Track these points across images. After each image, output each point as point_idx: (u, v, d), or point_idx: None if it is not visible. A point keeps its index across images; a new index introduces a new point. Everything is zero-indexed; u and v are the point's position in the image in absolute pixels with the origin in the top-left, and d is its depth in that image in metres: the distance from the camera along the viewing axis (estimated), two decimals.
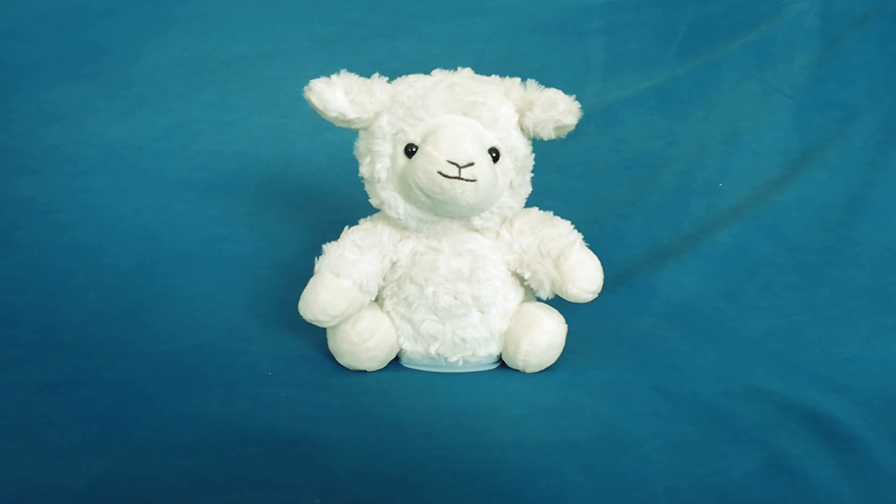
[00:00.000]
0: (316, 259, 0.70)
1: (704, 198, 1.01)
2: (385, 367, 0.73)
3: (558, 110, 0.68)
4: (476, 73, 0.72)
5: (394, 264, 0.71)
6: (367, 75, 0.70)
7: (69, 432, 0.59)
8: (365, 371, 0.72)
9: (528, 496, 0.52)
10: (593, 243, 0.73)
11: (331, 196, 1.00)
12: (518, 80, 0.71)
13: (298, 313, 0.70)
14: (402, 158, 0.67)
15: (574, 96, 0.70)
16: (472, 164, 0.65)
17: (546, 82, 0.72)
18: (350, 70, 0.70)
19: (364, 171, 0.70)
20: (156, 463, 0.55)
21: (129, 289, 0.85)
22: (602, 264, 0.73)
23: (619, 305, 0.88)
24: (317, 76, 0.68)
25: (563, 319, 0.73)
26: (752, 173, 1.03)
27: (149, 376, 0.68)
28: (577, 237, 0.72)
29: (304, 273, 0.71)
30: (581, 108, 0.70)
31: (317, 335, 0.76)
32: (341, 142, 1.05)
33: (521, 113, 0.69)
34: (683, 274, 0.93)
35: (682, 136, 1.07)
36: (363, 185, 0.71)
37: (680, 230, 0.99)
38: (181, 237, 0.94)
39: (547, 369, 0.73)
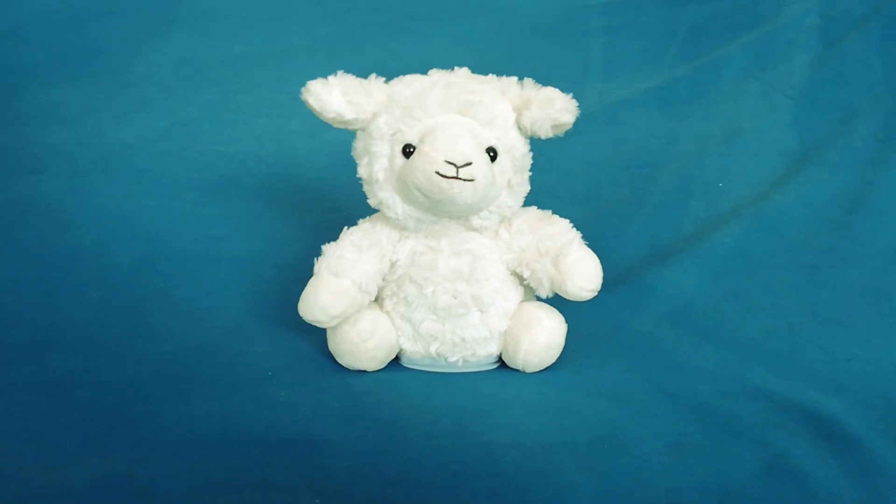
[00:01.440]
0: (315, 260, 0.70)
1: (704, 198, 1.01)
2: (385, 368, 0.73)
3: (555, 108, 0.68)
4: (476, 73, 0.72)
5: (393, 264, 0.71)
6: (368, 76, 0.70)
7: (70, 432, 0.59)
8: (365, 371, 0.72)
9: (527, 496, 0.52)
10: (593, 243, 0.73)
11: (331, 196, 1.00)
12: (515, 78, 0.71)
13: (298, 314, 0.70)
14: (400, 159, 0.67)
15: (571, 94, 0.70)
16: (469, 164, 0.64)
17: (546, 82, 0.72)
18: (350, 70, 0.70)
19: (362, 171, 0.70)
20: (156, 463, 0.55)
21: (130, 289, 0.85)
22: (602, 264, 0.73)
23: (619, 305, 0.88)
24: (317, 76, 0.68)
25: (562, 319, 0.73)
26: (752, 173, 1.03)
27: (149, 376, 0.68)
28: (576, 235, 0.72)
29: (304, 273, 0.71)
30: (578, 105, 0.70)
31: (317, 335, 0.76)
32: (342, 142, 1.05)
33: (519, 112, 0.69)
34: (683, 274, 0.92)
35: (682, 136, 1.07)
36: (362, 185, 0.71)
37: (680, 230, 0.99)
38: (181, 237, 0.94)
39: (547, 369, 0.73)
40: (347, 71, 0.69)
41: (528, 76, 0.72)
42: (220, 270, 0.89)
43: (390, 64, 0.93)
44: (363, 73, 0.70)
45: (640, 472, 0.55)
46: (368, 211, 0.73)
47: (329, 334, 0.72)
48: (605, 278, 0.73)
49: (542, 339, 0.71)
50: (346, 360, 0.72)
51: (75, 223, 0.93)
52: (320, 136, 1.05)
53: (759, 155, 1.04)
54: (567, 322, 0.73)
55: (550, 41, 1.13)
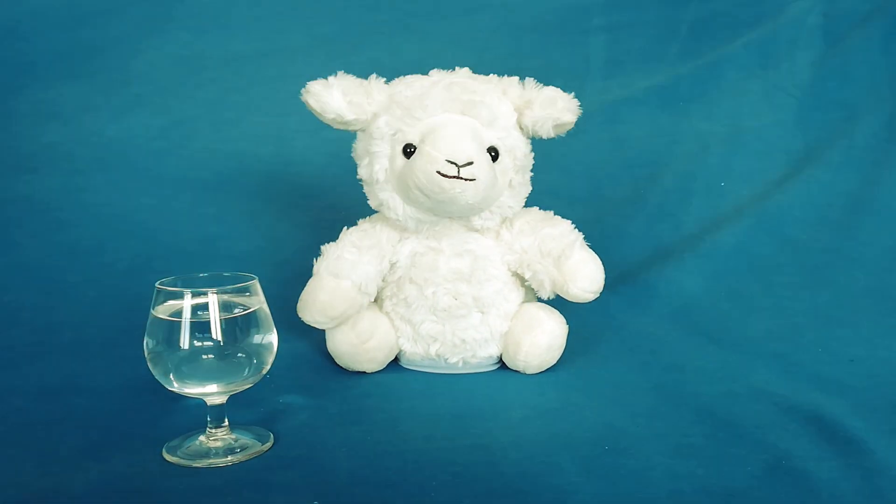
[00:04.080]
0: (314, 260, 0.70)
1: (706, 197, 1.01)
2: (384, 369, 0.72)
3: (557, 108, 0.68)
4: (476, 72, 0.72)
5: (393, 265, 0.71)
6: (367, 74, 0.69)
7: (68, 438, 0.58)
8: (364, 372, 0.72)
9: (528, 498, 0.51)
10: (595, 243, 0.73)
11: (330, 194, 1.00)
12: (516, 79, 0.70)
13: (297, 314, 0.70)
14: (401, 159, 0.67)
15: (573, 94, 0.69)
16: (471, 164, 0.64)
17: (547, 81, 0.71)
18: (349, 69, 0.69)
19: (363, 172, 0.69)
20: (154, 466, 0.54)
21: (126, 287, 0.85)
22: (604, 264, 0.72)
23: (621, 305, 0.87)
24: (316, 75, 0.68)
25: (563, 320, 0.72)
26: (755, 173, 1.02)
27: (145, 379, 0.68)
28: (578, 236, 0.71)
29: (302, 272, 0.70)
30: (580, 105, 0.70)
31: (316, 336, 0.75)
32: (341, 140, 1.04)
33: (520, 112, 0.69)
34: (685, 274, 0.92)
35: (684, 135, 1.06)
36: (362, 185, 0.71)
37: (682, 230, 0.98)
38: (179, 236, 0.93)
39: (547, 370, 0.72)
40: (347, 70, 0.68)
41: (529, 74, 0.72)
42: (218, 269, 0.88)
43: (390, 62, 0.92)
44: (363, 72, 0.70)
45: (642, 474, 0.54)
46: (367, 209, 0.73)
47: (328, 335, 0.72)
48: (606, 278, 0.73)
49: (543, 341, 0.70)
50: (345, 361, 0.71)
51: (72, 222, 0.93)
52: (319, 134, 1.04)
53: (762, 154, 1.03)
54: (568, 323, 0.73)
55: (551, 39, 1.12)
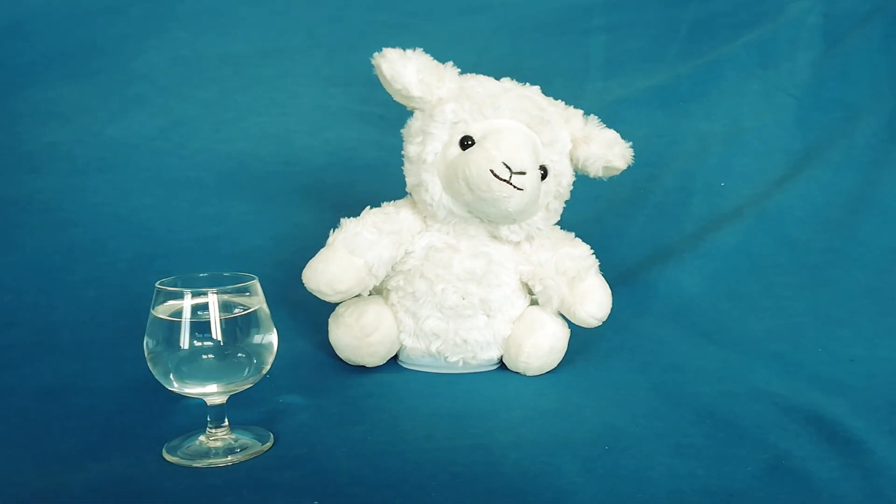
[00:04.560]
0: (331, 231, 0.69)
1: (706, 197, 1.01)
2: (385, 368, 0.72)
3: (614, 152, 0.70)
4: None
5: (407, 254, 0.71)
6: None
7: (68, 438, 0.58)
8: (364, 367, 0.71)
9: (527, 498, 0.51)
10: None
11: (329, 194, 1.00)
12: (580, 112, 0.72)
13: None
14: (456, 148, 0.67)
15: (630, 143, 0.71)
16: (523, 174, 0.64)
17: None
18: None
19: (412, 149, 0.70)
20: (154, 466, 0.54)
21: (127, 287, 0.85)
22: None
23: (621, 305, 0.87)
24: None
25: (566, 323, 0.73)
26: (755, 172, 1.02)
27: (145, 380, 0.68)
28: (595, 262, 0.72)
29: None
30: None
31: (316, 336, 0.75)
32: (340, 140, 1.05)
33: (575, 144, 0.70)
34: (685, 274, 0.92)
35: (684, 134, 1.06)
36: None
37: (681, 230, 0.99)
38: (179, 235, 0.93)
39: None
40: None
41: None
42: (218, 269, 0.89)
43: None
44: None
45: (642, 474, 0.54)
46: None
47: (331, 327, 0.71)
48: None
49: (545, 343, 0.70)
50: (346, 353, 0.71)
51: (72, 221, 0.93)
52: (319, 134, 1.04)
53: (762, 154, 1.03)
54: (569, 326, 0.73)
55: (551, 39, 1.12)
